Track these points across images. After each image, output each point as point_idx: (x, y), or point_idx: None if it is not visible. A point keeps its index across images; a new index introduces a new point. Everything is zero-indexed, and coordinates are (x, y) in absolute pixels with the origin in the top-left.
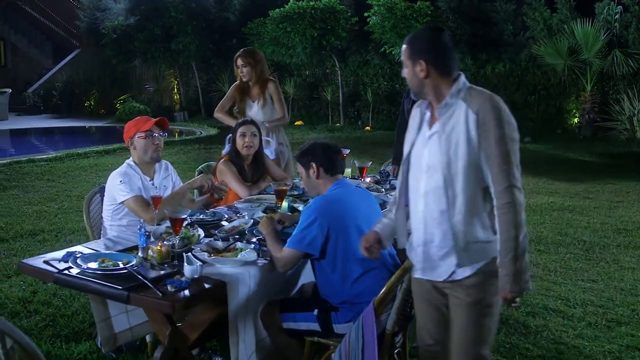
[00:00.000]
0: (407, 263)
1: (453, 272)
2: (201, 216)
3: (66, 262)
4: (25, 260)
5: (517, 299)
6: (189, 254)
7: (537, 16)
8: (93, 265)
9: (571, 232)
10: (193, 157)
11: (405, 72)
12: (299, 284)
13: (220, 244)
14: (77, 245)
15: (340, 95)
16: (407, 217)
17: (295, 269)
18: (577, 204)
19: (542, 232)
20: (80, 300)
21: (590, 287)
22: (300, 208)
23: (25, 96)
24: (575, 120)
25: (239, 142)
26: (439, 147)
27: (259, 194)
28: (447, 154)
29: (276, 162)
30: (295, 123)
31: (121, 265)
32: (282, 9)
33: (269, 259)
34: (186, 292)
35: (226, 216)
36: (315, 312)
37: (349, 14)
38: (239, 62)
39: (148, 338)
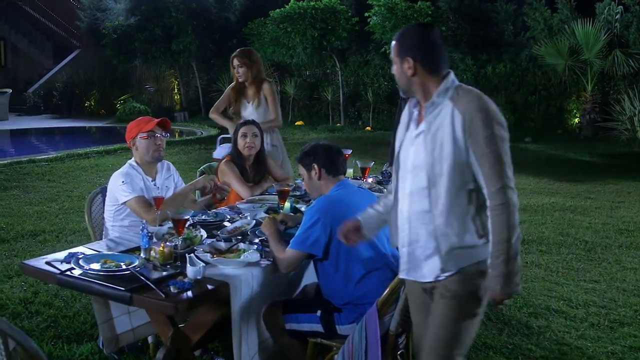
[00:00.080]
0: None
1: (437, 276)
2: (203, 217)
3: (68, 263)
4: (27, 262)
5: (506, 301)
6: (192, 255)
7: (537, 16)
8: (95, 266)
9: (573, 233)
10: (194, 158)
11: (394, 70)
12: (302, 284)
13: (222, 244)
14: (78, 245)
15: (341, 96)
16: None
17: (297, 269)
18: (578, 204)
19: (544, 232)
20: (81, 301)
21: (593, 288)
22: (303, 209)
23: (26, 96)
24: (576, 120)
25: (240, 142)
26: (424, 146)
27: (261, 194)
28: (432, 154)
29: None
30: (296, 123)
31: (124, 267)
32: (282, 9)
33: (271, 259)
34: (189, 293)
35: (228, 217)
36: (318, 313)
37: (350, 14)
38: (235, 62)
39: (150, 339)
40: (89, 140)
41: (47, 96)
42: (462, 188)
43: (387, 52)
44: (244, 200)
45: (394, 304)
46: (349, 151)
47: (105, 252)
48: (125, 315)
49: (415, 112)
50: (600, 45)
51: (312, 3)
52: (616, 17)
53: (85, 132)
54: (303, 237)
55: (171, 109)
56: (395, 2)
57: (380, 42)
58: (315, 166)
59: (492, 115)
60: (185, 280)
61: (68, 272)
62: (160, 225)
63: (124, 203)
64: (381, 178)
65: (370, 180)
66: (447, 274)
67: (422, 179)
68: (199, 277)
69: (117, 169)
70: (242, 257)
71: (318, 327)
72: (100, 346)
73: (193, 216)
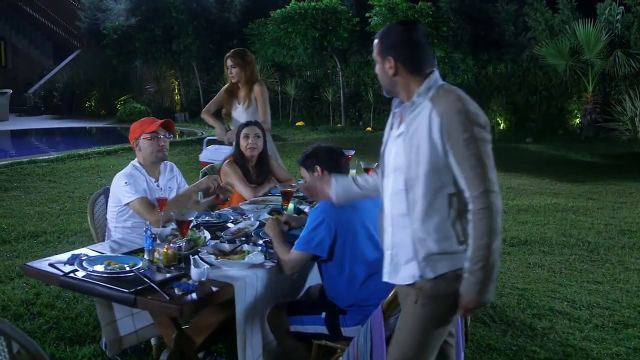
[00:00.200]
0: None
1: (414, 282)
2: (207, 218)
3: (72, 264)
4: (30, 263)
5: (476, 310)
6: (196, 256)
7: (538, 17)
8: (99, 268)
9: (575, 233)
10: (194, 158)
11: (377, 69)
12: (306, 286)
13: (226, 246)
14: (80, 246)
15: (342, 96)
16: None
17: (302, 271)
18: (580, 204)
19: (546, 233)
20: (83, 303)
21: (596, 289)
22: (306, 210)
23: (26, 97)
24: (577, 120)
25: (243, 143)
26: (403, 148)
27: (264, 195)
28: (409, 156)
29: None
30: (297, 124)
31: (127, 268)
32: (283, 9)
33: (276, 261)
34: (194, 295)
35: (232, 218)
36: (323, 315)
37: (350, 14)
38: (229, 62)
39: (153, 341)
40: (90, 141)
41: (48, 97)
42: (440, 192)
43: None
44: (247, 202)
45: (399, 305)
46: (352, 152)
47: (109, 253)
48: (129, 317)
49: (398, 112)
50: (601, 45)
51: (312, 3)
52: (617, 17)
53: (86, 132)
54: (308, 238)
55: (172, 110)
56: (396, 3)
57: None
58: (318, 168)
59: (471, 116)
60: (190, 282)
61: (71, 274)
62: (164, 226)
63: (127, 204)
64: None
65: None
66: (423, 280)
67: (400, 181)
68: (203, 279)
69: (118, 170)
70: (246, 259)
71: (323, 329)
72: (103, 348)
73: (196, 217)
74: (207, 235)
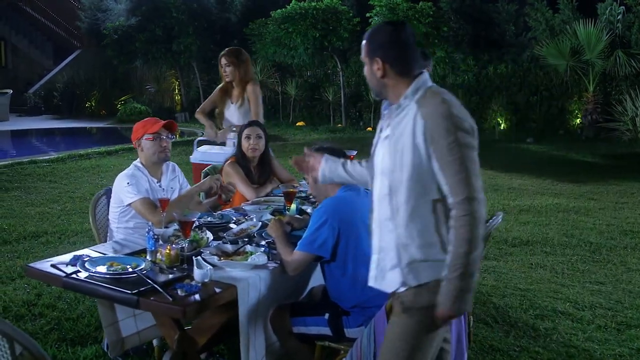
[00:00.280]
0: None
1: (397, 289)
2: (209, 219)
3: (74, 265)
4: (32, 264)
5: (452, 320)
6: (199, 257)
7: (539, 17)
8: (102, 269)
9: (577, 234)
10: None
11: (365, 71)
12: (309, 287)
13: (229, 247)
14: (81, 247)
15: (342, 96)
16: None
17: (305, 272)
18: (582, 205)
19: (548, 233)
20: (85, 303)
21: (599, 290)
22: (309, 210)
23: (26, 97)
24: (578, 121)
25: (244, 144)
26: (389, 151)
27: (266, 196)
28: (394, 159)
29: None
30: (297, 124)
31: (130, 269)
32: (283, 9)
33: (279, 262)
34: (197, 296)
35: (234, 218)
36: (326, 316)
37: (351, 14)
38: (223, 61)
39: (155, 342)
40: (90, 141)
41: (48, 97)
42: (424, 198)
43: None
44: (249, 202)
45: None
46: (354, 152)
47: (111, 254)
48: (131, 318)
49: (386, 114)
50: (602, 45)
51: (313, 3)
52: (618, 17)
53: (86, 132)
54: (311, 239)
55: (172, 110)
56: (396, 3)
57: None
58: None
59: (456, 120)
60: (193, 283)
61: (74, 275)
62: (166, 227)
63: (129, 205)
64: None
65: None
66: (406, 288)
67: (385, 185)
68: (206, 280)
69: (119, 170)
70: (249, 260)
71: (326, 330)
72: (105, 349)
73: (199, 218)
74: (210, 236)
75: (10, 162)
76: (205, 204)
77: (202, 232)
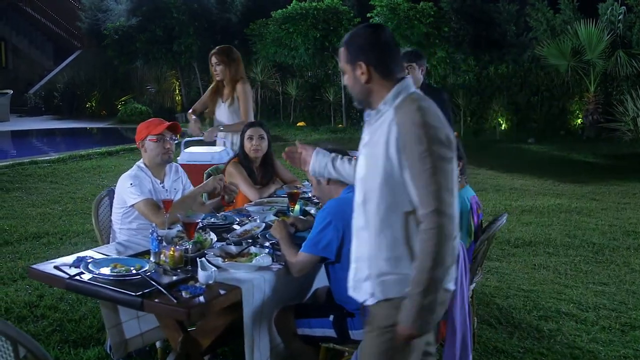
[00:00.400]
0: None
1: (365, 300)
2: (212, 220)
3: (77, 267)
4: (35, 266)
5: (414, 339)
6: (203, 259)
7: (540, 17)
8: (105, 270)
9: (580, 234)
10: None
11: (346, 79)
12: (313, 288)
13: (233, 248)
14: (83, 247)
15: (343, 97)
16: None
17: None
18: (584, 205)
19: (551, 234)
20: (87, 305)
21: (602, 291)
22: (312, 211)
23: (27, 97)
24: (579, 121)
25: (247, 144)
26: (365, 159)
27: (269, 197)
28: (368, 167)
29: None
30: (298, 124)
31: (134, 271)
32: (284, 9)
33: (283, 263)
34: (201, 298)
35: (238, 219)
36: (331, 318)
37: (352, 14)
38: (213, 59)
39: (158, 344)
40: (91, 142)
41: (48, 97)
42: (395, 208)
43: None
44: (252, 203)
45: None
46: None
47: (115, 256)
48: (134, 320)
49: (367, 120)
50: (603, 45)
51: (314, 4)
52: (619, 17)
53: (87, 133)
54: (315, 240)
55: (172, 110)
56: (397, 3)
57: None
58: None
59: (430, 130)
60: (197, 285)
61: (77, 277)
62: (169, 228)
63: (132, 206)
64: None
65: None
66: (374, 301)
67: (360, 193)
68: (211, 282)
69: (120, 170)
70: (254, 261)
71: (331, 332)
72: (108, 351)
73: (202, 219)
74: (214, 237)
75: (11, 162)
76: (208, 205)
77: (205, 233)
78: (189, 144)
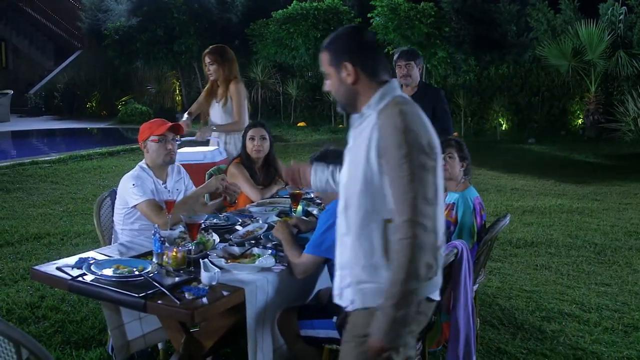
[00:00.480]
0: None
1: (347, 306)
2: (215, 220)
3: (79, 268)
4: (37, 267)
5: (386, 354)
6: (206, 260)
7: (540, 17)
8: (108, 272)
9: (582, 235)
10: None
11: (328, 84)
12: (315, 289)
13: (236, 249)
14: (84, 248)
15: None
16: None
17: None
18: (585, 206)
19: (552, 234)
20: (89, 306)
21: (605, 291)
22: (315, 212)
23: (27, 98)
24: (580, 121)
25: (249, 145)
26: (347, 164)
27: (271, 197)
28: (350, 173)
29: (226, 162)
30: (298, 124)
31: (136, 272)
32: (284, 10)
33: (286, 264)
34: (204, 299)
35: (240, 220)
36: (334, 319)
37: (352, 15)
38: (207, 59)
39: (160, 345)
40: (91, 142)
41: (49, 97)
42: (374, 216)
43: (390, 52)
44: (255, 204)
45: None
46: None
47: (117, 257)
48: (137, 321)
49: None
50: (603, 46)
51: (314, 4)
52: (620, 17)
53: (87, 133)
54: (318, 242)
55: (172, 110)
56: (398, 3)
57: (383, 43)
58: None
59: (410, 136)
60: (200, 286)
61: (79, 278)
62: (171, 229)
63: (135, 206)
64: None
65: None
66: (353, 308)
67: (342, 199)
68: (214, 283)
69: (121, 171)
70: (257, 262)
71: (334, 334)
72: (110, 352)
73: (205, 220)
74: (216, 238)
75: (11, 163)
76: (210, 205)
77: (208, 234)
78: (181, 144)
